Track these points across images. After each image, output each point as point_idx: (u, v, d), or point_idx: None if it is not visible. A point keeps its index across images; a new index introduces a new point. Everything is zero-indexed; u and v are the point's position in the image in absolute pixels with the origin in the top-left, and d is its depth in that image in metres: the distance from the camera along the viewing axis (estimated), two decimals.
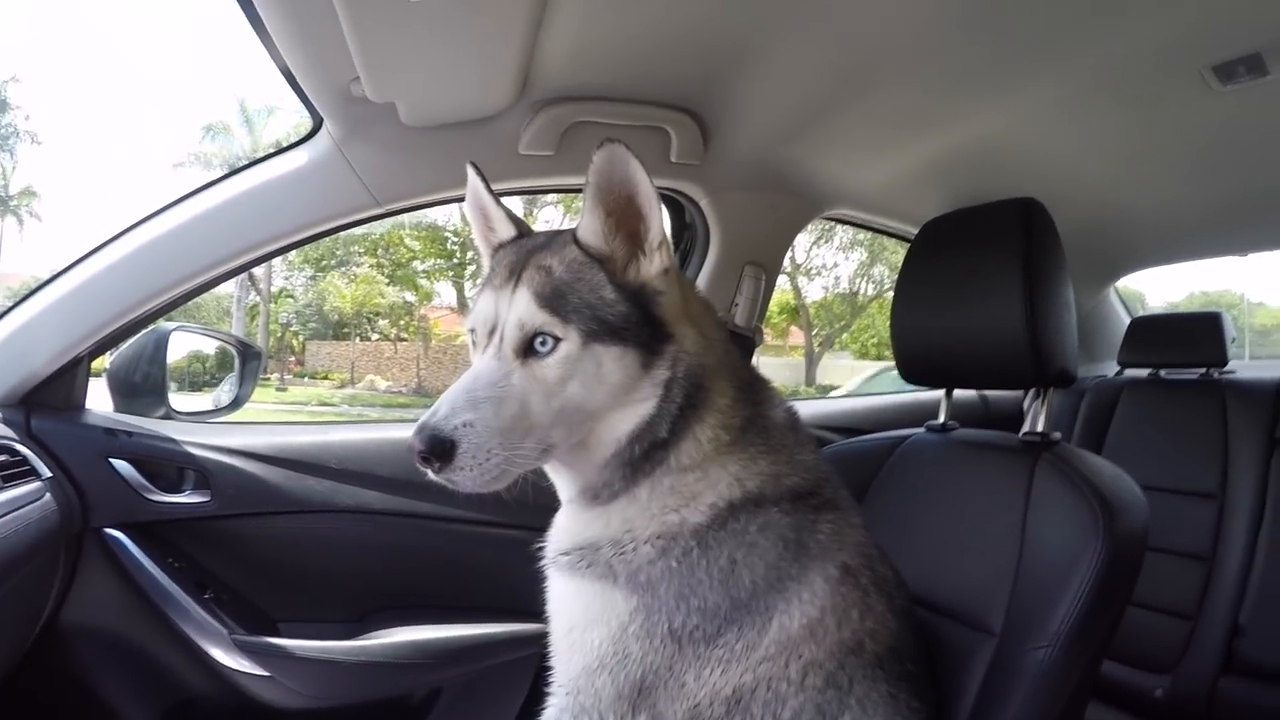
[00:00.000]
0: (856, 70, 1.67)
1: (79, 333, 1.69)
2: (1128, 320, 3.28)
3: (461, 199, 1.82)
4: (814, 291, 27.94)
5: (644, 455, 1.03)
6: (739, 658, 0.99)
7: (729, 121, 1.85)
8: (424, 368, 27.39)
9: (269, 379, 26.29)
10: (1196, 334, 2.90)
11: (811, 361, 26.36)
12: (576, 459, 1.06)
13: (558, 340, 1.00)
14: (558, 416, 1.00)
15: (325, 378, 27.50)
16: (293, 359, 28.79)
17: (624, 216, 1.02)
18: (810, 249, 26.83)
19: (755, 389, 1.14)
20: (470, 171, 1.13)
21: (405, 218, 25.27)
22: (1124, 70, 1.71)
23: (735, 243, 2.16)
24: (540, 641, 1.85)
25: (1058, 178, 2.29)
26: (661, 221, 1.00)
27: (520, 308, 1.01)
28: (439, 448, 0.97)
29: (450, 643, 1.89)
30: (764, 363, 27.45)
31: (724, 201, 2.10)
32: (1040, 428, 1.40)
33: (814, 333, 27.14)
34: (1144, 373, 3.07)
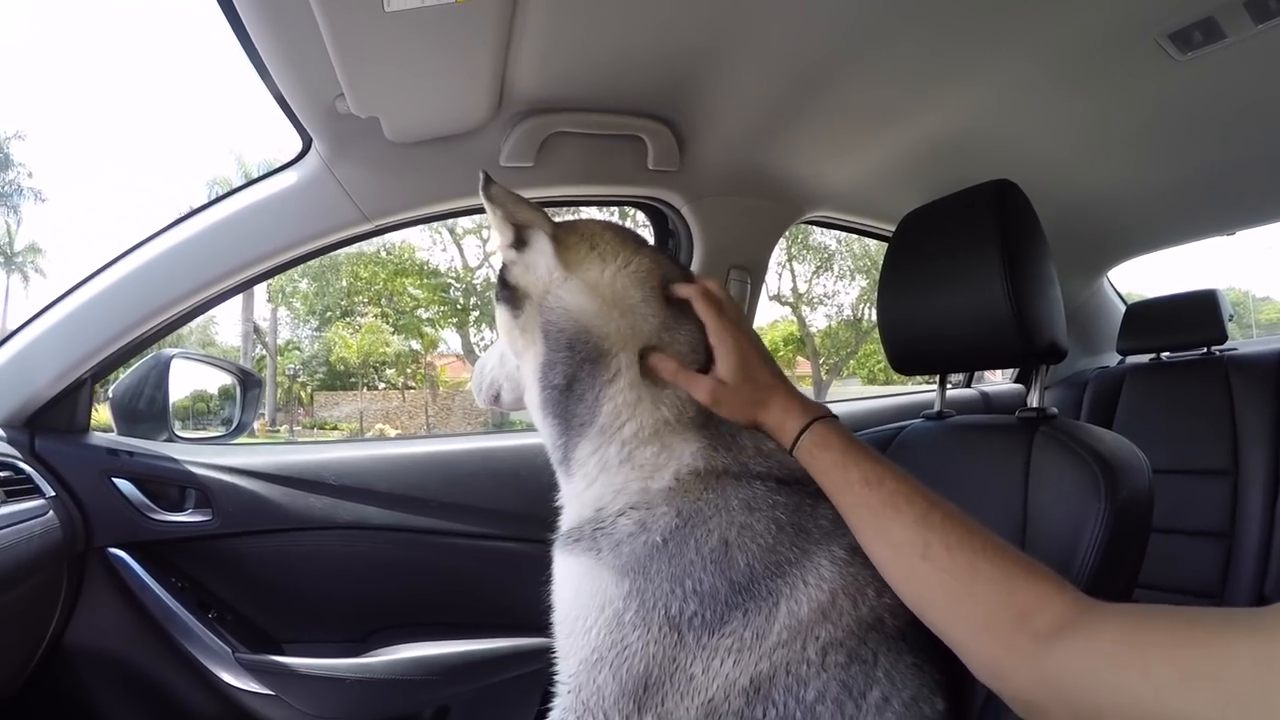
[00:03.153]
0: (819, 69, 1.69)
1: (79, 355, 1.74)
2: (1124, 309, 3.26)
3: (449, 214, 1.90)
4: (818, 320, 27.94)
5: (557, 402, 1.15)
6: (750, 646, 0.97)
7: (702, 127, 1.89)
8: (432, 414, 27.42)
9: (279, 430, 26.38)
10: (1193, 314, 2.90)
11: (820, 390, 26.26)
12: (529, 410, 1.24)
13: None
14: (500, 362, 1.34)
15: (335, 428, 27.56)
16: (301, 410, 28.85)
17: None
18: (811, 279, 26.84)
19: None
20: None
21: (408, 264, 25.39)
22: (1083, 48, 1.72)
23: (718, 248, 2.19)
24: (547, 656, 1.89)
25: (1033, 165, 2.26)
26: (504, 212, 1.18)
27: None
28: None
29: (456, 658, 1.91)
30: None
31: (704, 208, 2.13)
32: (1035, 404, 1.40)
33: (821, 361, 27.08)
34: (1145, 358, 3.07)
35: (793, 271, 26.42)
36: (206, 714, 1.80)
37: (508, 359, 1.29)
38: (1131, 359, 3.16)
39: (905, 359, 1.57)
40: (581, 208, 2.29)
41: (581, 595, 1.04)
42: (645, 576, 1.00)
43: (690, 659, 0.97)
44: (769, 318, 28.66)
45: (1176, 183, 2.55)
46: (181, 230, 1.76)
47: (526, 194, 1.87)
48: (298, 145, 1.76)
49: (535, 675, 1.93)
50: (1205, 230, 3.13)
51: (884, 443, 1.62)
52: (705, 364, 1.14)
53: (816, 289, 27.31)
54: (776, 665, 0.97)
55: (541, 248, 1.17)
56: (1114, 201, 2.68)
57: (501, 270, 1.22)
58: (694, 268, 2.18)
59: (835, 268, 26.51)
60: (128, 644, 1.78)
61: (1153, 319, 3.03)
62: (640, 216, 2.33)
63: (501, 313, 1.22)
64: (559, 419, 1.14)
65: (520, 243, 1.18)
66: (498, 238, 1.21)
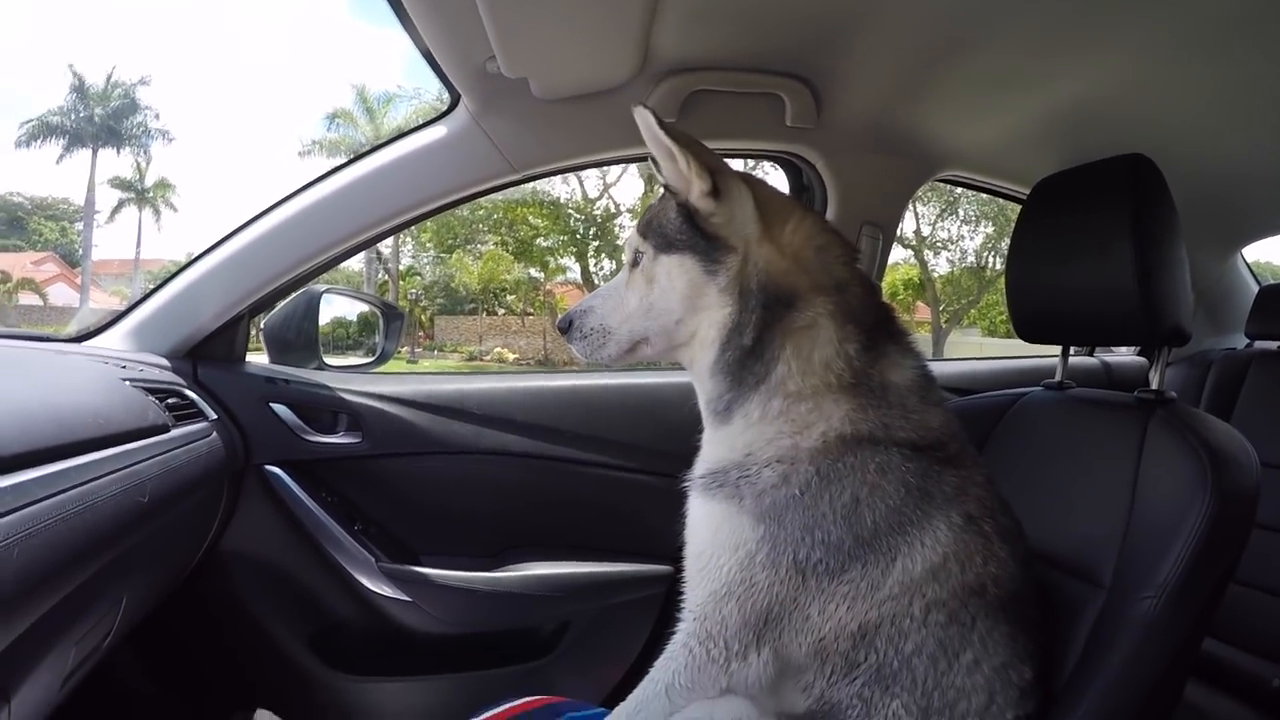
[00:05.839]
0: (958, 32, 1.68)
1: (240, 292, 1.89)
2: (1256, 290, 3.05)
3: (593, 164, 1.97)
4: (941, 266, 27.02)
5: (739, 362, 1.15)
6: (864, 595, 1.05)
7: (840, 86, 1.90)
8: (550, 340, 27.82)
9: (400, 353, 27.22)
10: None
11: (939, 338, 25.48)
12: (691, 365, 1.25)
13: (644, 254, 1.25)
14: (648, 313, 1.23)
15: (455, 350, 28.25)
16: (421, 334, 29.63)
17: (674, 158, 1.18)
18: (935, 222, 25.93)
19: (878, 340, 1.17)
20: (646, 114, 1.18)
21: (529, 194, 25.64)
22: (1221, 14, 1.63)
23: (851, 205, 2.20)
24: (666, 582, 1.98)
25: (1169, 135, 2.17)
26: (695, 155, 1.16)
27: (631, 235, 1.31)
28: (564, 323, 1.33)
29: (580, 578, 2.04)
30: None
31: (839, 164, 2.14)
32: (1155, 386, 1.40)
33: (940, 309, 26.26)
34: (1274, 345, 2.86)
35: (916, 213, 25.60)
36: (348, 615, 1.99)
37: (664, 310, 1.22)
38: (1259, 344, 2.94)
39: (1030, 326, 1.58)
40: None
41: (720, 535, 1.12)
42: (780, 524, 1.07)
43: (809, 601, 1.06)
44: (890, 260, 27.91)
45: None
46: (337, 179, 1.89)
47: None
48: (441, 93, 1.88)
49: (651, 600, 2.05)
50: None
51: (1003, 408, 1.64)
52: (873, 317, 1.18)
53: (940, 233, 26.55)
54: (884, 616, 1.05)
55: (742, 200, 1.19)
56: (1253, 175, 2.52)
57: (690, 217, 1.19)
58: None
59: (960, 212, 25.61)
60: (279, 551, 1.96)
61: None
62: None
63: (688, 264, 1.18)
64: (732, 377, 1.16)
65: (717, 191, 1.18)
66: (686, 179, 1.18)
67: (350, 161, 1.92)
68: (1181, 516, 1.13)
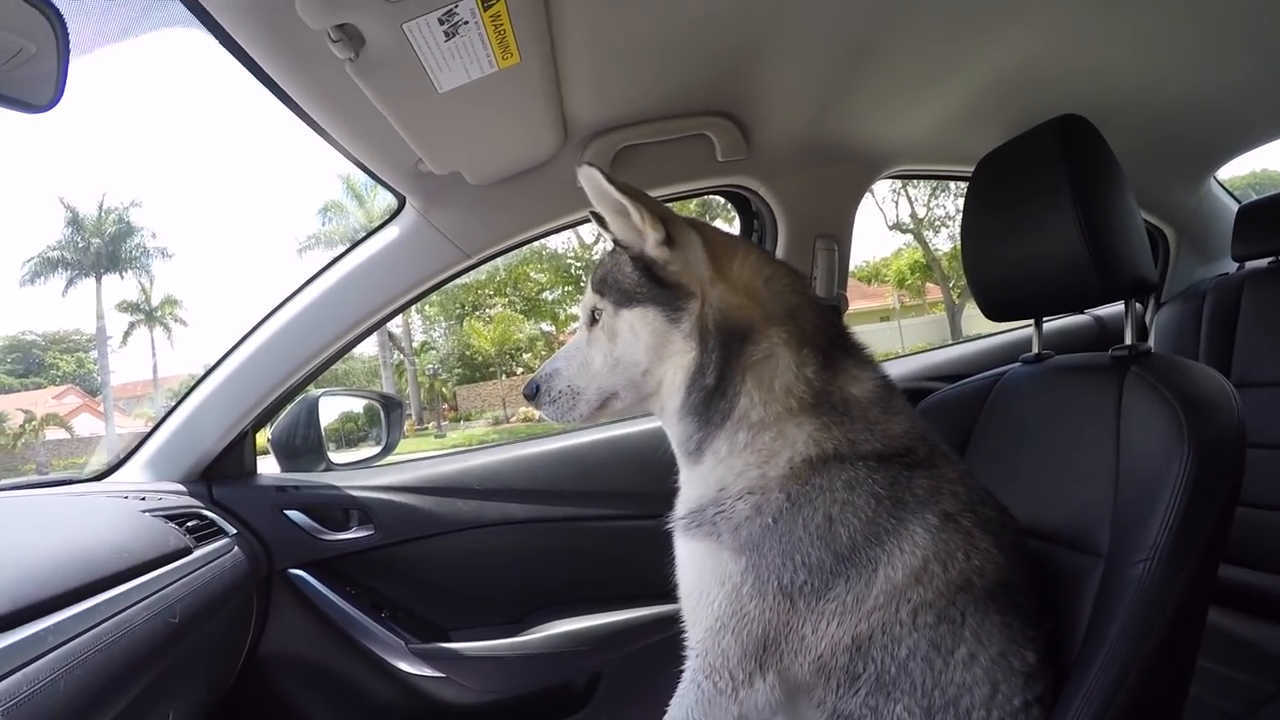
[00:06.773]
0: (866, 32, 1.69)
1: (238, 412, 1.98)
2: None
3: (539, 236, 2.04)
4: (943, 243, 26.79)
5: (704, 403, 1.18)
6: (850, 610, 1.08)
7: (763, 112, 1.95)
8: None
9: (427, 428, 27.31)
10: None
11: (954, 314, 25.23)
12: (660, 412, 1.29)
13: (603, 311, 1.27)
14: (614, 369, 1.26)
15: (482, 415, 28.33)
16: (445, 406, 29.71)
17: (625, 212, 1.21)
18: (929, 201, 25.78)
19: (834, 357, 1.21)
20: (594, 172, 1.20)
21: (527, 251, 25.83)
22: None
23: (800, 222, 2.24)
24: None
25: (1116, 85, 2.17)
26: (647, 208, 1.19)
27: (586, 294, 1.33)
28: (531, 389, 1.35)
29: (604, 629, 2.11)
30: (906, 325, 26.47)
31: (781, 185, 2.18)
32: (1129, 341, 1.37)
33: (951, 285, 26.00)
34: (1264, 262, 2.75)
35: (909, 197, 25.55)
36: (389, 699, 2.06)
37: (631, 364, 1.25)
38: (1251, 264, 2.82)
39: (995, 306, 1.57)
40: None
41: (705, 572, 1.15)
42: (760, 553, 1.10)
43: (801, 622, 1.09)
44: (892, 247, 27.72)
45: (1272, 71, 2.31)
46: (309, 292, 1.98)
47: None
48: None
49: (677, 638, 2.05)
50: None
51: (985, 391, 1.64)
52: (827, 336, 1.20)
53: (936, 211, 26.38)
54: (874, 626, 1.08)
55: (694, 244, 1.22)
56: (1206, 102, 2.44)
57: (647, 268, 1.22)
58: (780, 243, 2.25)
59: (953, 186, 25.41)
60: (314, 648, 2.04)
61: (1266, 217, 2.71)
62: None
63: (651, 315, 1.21)
64: (699, 418, 1.19)
65: (670, 239, 1.21)
66: (639, 232, 1.21)
67: (318, 274, 2.01)
68: (1163, 472, 1.11)
